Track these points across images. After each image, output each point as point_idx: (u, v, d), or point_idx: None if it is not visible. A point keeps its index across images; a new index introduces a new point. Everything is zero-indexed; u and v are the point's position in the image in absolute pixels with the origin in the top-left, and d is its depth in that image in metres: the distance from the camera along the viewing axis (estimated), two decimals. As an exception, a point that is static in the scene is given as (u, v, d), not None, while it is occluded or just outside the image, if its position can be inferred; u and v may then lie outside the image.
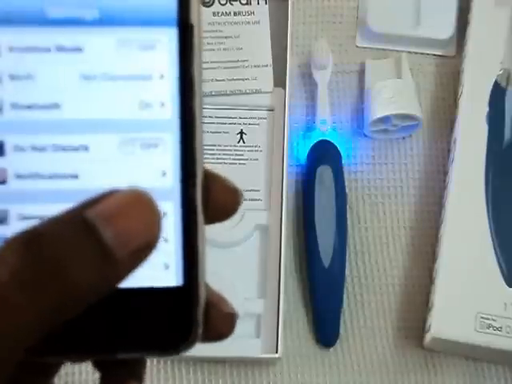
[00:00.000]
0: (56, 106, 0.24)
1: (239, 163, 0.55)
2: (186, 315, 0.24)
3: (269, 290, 0.51)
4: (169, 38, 0.24)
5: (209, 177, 0.25)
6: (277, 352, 0.49)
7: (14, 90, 0.23)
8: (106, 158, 0.24)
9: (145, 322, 0.24)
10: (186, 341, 0.24)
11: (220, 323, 0.25)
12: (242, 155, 0.55)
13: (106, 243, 0.20)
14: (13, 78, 0.24)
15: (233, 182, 0.25)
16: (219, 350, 0.50)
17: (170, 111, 0.25)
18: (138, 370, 0.27)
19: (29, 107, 0.24)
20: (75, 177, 0.24)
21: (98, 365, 0.27)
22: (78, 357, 0.25)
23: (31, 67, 0.24)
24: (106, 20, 0.24)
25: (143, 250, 0.21)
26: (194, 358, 0.51)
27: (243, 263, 0.53)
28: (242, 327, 0.51)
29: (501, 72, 0.54)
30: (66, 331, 0.23)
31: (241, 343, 0.50)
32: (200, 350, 0.51)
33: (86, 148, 0.24)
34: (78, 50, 0.24)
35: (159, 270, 0.24)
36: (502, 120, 0.53)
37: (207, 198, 0.25)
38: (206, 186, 0.25)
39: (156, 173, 0.25)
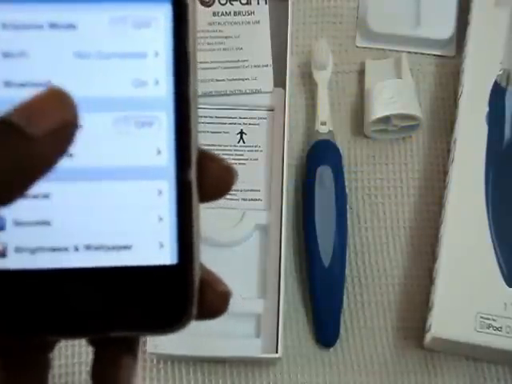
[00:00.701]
0: (49, 84, 0.23)
1: (239, 163, 0.55)
2: (181, 293, 0.24)
3: (269, 289, 0.51)
4: (164, 16, 0.24)
5: (203, 155, 0.25)
6: (277, 352, 0.49)
7: (7, 68, 0.23)
8: (101, 137, 0.24)
9: (139, 300, 0.24)
10: (181, 319, 0.24)
11: (214, 301, 0.25)
12: (241, 155, 0.55)
13: (18, 125, 0.21)
14: (6, 55, 0.24)
15: (226, 160, 0.26)
16: (219, 350, 0.50)
17: (164, 89, 0.25)
18: (132, 346, 0.27)
19: (22, 85, 0.24)
20: (70, 155, 0.24)
21: (91, 341, 0.27)
22: (71, 335, 0.25)
23: (24, 45, 0.24)
24: None
25: (61, 128, 0.21)
26: (194, 358, 0.51)
27: (243, 263, 0.53)
28: (242, 327, 0.51)
29: (501, 72, 0.54)
30: (60, 309, 0.23)
31: (241, 343, 0.50)
32: (200, 349, 0.51)
33: (80, 126, 0.24)
34: (72, 27, 0.24)
35: (154, 248, 0.25)
36: (502, 120, 0.53)
37: (202, 177, 0.25)
38: (200, 165, 0.25)
39: (151, 151, 0.25)
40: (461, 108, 0.54)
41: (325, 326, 0.53)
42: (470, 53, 0.55)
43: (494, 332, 0.48)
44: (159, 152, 0.25)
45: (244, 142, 0.55)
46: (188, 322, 0.24)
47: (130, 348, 0.26)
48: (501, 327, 0.48)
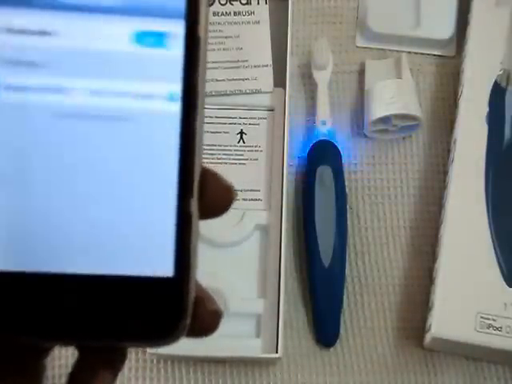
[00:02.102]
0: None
1: (239, 163, 0.55)
2: (175, 307, 0.25)
3: (269, 290, 0.51)
4: (177, 31, 0.25)
5: (204, 173, 0.25)
6: (277, 352, 0.49)
7: (14, 74, 0.24)
8: (107, 145, 0.25)
9: (133, 311, 0.24)
10: (174, 332, 0.24)
11: (205, 320, 0.25)
12: (241, 155, 0.55)
13: None
14: (16, 63, 0.24)
15: (227, 179, 0.26)
16: (219, 350, 0.50)
17: (174, 107, 0.25)
18: (115, 362, 0.27)
19: (24, 88, 0.24)
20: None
21: (79, 347, 0.27)
22: (63, 341, 0.25)
23: (33, 54, 0.24)
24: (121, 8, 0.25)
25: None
26: (194, 358, 0.51)
27: (243, 263, 0.53)
28: (242, 327, 0.51)
29: (501, 72, 0.54)
30: (54, 315, 0.24)
31: (241, 343, 0.50)
32: (200, 350, 0.51)
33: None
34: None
35: (152, 261, 0.25)
36: (502, 120, 0.53)
37: (202, 194, 0.25)
38: (201, 182, 0.25)
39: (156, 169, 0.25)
40: (461, 108, 0.54)
41: (325, 325, 0.53)
42: (470, 53, 0.55)
43: (494, 332, 0.48)
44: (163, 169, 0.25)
45: (244, 142, 0.55)
46: (181, 335, 0.25)
47: (113, 364, 0.26)
48: (501, 327, 0.48)
